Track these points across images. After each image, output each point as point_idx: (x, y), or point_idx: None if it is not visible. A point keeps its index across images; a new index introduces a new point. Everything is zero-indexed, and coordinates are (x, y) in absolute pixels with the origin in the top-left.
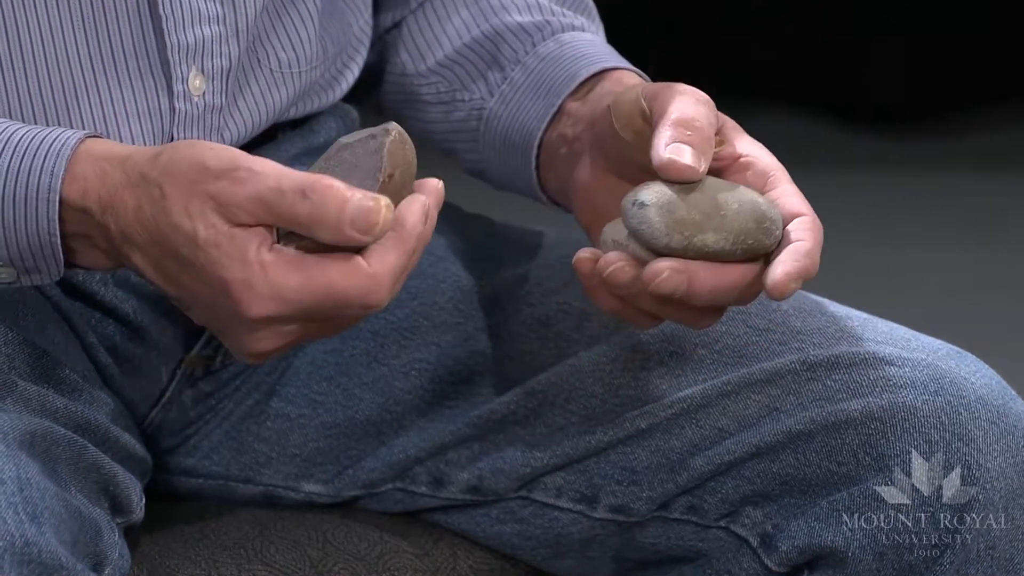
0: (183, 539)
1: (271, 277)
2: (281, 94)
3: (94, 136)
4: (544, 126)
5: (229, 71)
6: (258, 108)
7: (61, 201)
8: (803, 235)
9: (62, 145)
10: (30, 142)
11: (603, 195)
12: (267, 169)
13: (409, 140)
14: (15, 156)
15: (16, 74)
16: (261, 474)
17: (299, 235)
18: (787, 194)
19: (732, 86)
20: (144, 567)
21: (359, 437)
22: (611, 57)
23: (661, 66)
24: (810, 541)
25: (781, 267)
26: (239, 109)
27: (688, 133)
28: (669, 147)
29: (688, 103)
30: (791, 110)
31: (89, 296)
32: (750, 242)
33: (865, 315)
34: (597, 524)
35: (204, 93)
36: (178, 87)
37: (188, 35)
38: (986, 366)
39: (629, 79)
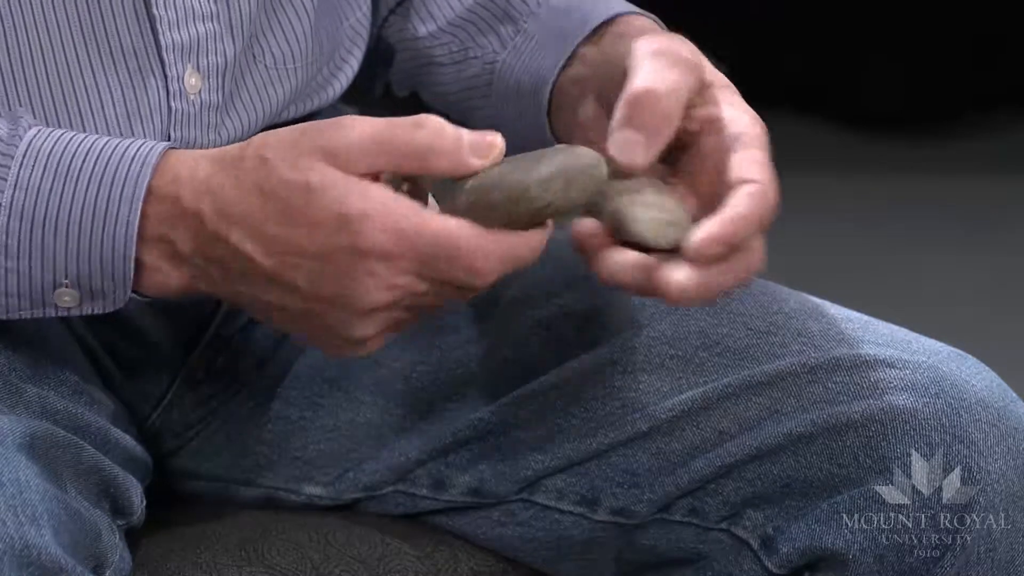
0: (184, 541)
1: (392, 209)
2: (278, 91)
3: (173, 148)
4: (557, 71)
5: (225, 68)
6: (255, 106)
7: (149, 190)
8: (740, 201)
9: (149, 149)
10: (114, 149)
11: (599, 133)
12: (372, 117)
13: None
14: (99, 161)
15: (15, 76)
16: (262, 476)
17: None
18: (744, 160)
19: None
20: (145, 569)
21: (360, 440)
22: (621, 2)
23: None
24: (811, 543)
25: (700, 232)
26: (235, 107)
27: (642, 112)
28: (618, 135)
29: (656, 70)
30: (792, 115)
31: None
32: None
33: (866, 318)
34: (598, 526)
35: (200, 91)
36: (174, 86)
37: (182, 33)
38: (987, 369)
39: (638, 22)
